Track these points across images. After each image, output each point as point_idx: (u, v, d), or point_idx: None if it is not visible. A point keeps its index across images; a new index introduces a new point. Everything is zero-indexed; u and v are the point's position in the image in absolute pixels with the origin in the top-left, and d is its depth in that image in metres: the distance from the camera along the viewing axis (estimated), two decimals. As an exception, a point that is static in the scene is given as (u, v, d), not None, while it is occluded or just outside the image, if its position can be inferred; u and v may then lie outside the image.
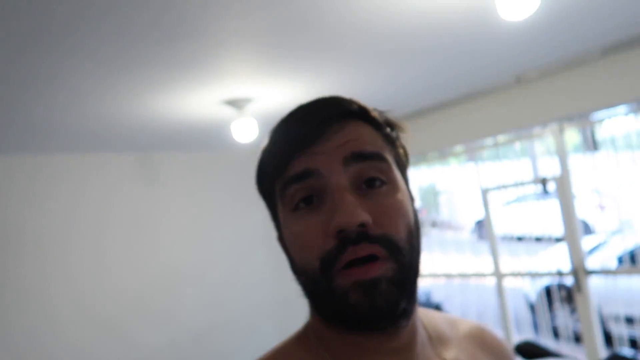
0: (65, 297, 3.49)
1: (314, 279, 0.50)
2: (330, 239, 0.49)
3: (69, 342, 3.47)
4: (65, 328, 3.48)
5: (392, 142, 0.58)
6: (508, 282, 3.88)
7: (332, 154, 0.51)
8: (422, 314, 0.62)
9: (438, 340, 0.62)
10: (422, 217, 3.82)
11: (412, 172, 4.04)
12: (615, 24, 2.36)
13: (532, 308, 3.87)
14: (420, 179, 4.28)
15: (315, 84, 2.75)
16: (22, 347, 3.32)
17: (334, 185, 0.50)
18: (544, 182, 3.27)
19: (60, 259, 3.47)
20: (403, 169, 0.59)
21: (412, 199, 0.56)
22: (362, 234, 0.48)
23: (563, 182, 3.21)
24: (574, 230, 3.18)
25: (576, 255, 3.18)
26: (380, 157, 0.53)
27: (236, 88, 2.53)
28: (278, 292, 4.11)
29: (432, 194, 4.52)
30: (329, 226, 0.49)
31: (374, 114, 0.57)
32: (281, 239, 0.59)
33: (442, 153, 3.97)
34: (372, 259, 0.48)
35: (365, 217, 0.48)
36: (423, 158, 4.07)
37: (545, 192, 3.28)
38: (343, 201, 0.48)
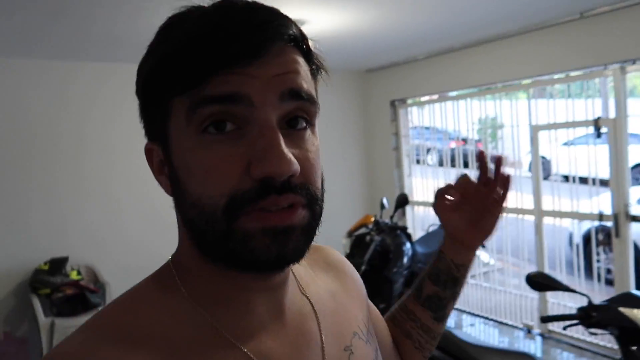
0: (127, 195, 3.93)
1: (211, 216, 0.44)
2: (246, 178, 0.43)
3: (128, 236, 3.96)
4: (126, 224, 3.95)
5: (316, 79, 0.52)
6: (554, 221, 3.92)
7: (270, 83, 0.44)
8: None
9: (299, 277, 0.60)
10: (477, 149, 3.82)
11: (474, 104, 4.09)
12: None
13: (574, 249, 3.91)
14: (480, 110, 4.24)
15: (370, 10, 2.76)
16: (84, 240, 3.84)
17: (264, 120, 0.44)
18: (598, 124, 3.18)
19: (123, 160, 3.87)
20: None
21: None
22: (287, 184, 0.44)
23: (617, 126, 3.12)
24: (622, 175, 3.14)
25: (620, 200, 3.16)
26: (312, 100, 0.48)
27: (289, 10, 2.60)
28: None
29: (491, 128, 4.47)
30: (246, 162, 0.44)
31: (312, 46, 0.50)
32: (164, 156, 0.50)
33: (502, 86, 3.91)
34: (290, 207, 0.45)
35: (297, 168, 0.44)
36: (483, 90, 4.03)
37: (599, 135, 3.20)
38: (277, 145, 0.43)
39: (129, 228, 3.96)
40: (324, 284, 0.64)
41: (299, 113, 0.47)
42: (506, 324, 4.05)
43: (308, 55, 0.50)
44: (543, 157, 3.90)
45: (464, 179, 0.74)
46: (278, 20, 0.46)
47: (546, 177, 4.19)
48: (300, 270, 0.62)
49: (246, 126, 0.44)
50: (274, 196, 0.43)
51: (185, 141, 0.45)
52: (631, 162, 3.28)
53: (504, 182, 0.72)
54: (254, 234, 0.44)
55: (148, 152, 0.52)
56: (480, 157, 0.73)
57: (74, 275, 3.57)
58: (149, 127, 0.51)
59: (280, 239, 0.44)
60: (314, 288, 0.61)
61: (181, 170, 0.47)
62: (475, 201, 0.74)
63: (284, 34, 0.46)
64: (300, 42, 0.48)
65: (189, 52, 0.44)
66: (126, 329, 0.46)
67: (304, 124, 0.48)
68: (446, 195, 0.75)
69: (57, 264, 3.57)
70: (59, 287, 3.46)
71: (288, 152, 0.43)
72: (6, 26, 2.74)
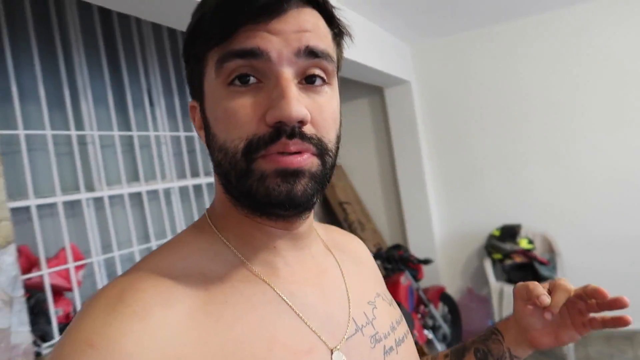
0: (592, 162, 3.48)
1: (234, 157, 0.50)
2: (262, 124, 0.48)
3: (591, 206, 3.49)
4: (589, 193, 3.50)
5: (338, 43, 0.56)
6: None
7: (287, 40, 0.49)
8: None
9: (324, 239, 0.67)
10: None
11: None
12: None
13: None
14: None
15: None
16: (538, 208, 3.62)
17: (281, 73, 0.49)
18: None
19: (591, 125, 3.43)
20: (338, 74, 0.56)
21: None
22: (298, 131, 0.48)
23: None
24: None
25: None
26: (330, 58, 0.52)
27: None
28: None
29: None
30: (263, 111, 0.48)
31: (332, 8, 0.54)
32: (200, 110, 0.56)
33: None
34: (299, 153, 0.49)
35: (305, 114, 0.48)
36: None
37: None
38: (288, 93, 0.47)
39: (593, 198, 3.53)
40: (346, 254, 0.69)
41: (317, 72, 0.51)
42: None
43: (330, 19, 0.54)
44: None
45: (565, 293, 0.63)
46: None
47: None
48: (324, 235, 0.69)
49: (265, 79, 0.49)
50: (284, 140, 0.48)
51: (214, 93, 0.51)
52: None
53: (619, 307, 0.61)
54: (268, 174, 0.48)
55: (191, 109, 0.58)
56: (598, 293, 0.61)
57: (523, 244, 3.52)
58: (191, 85, 0.57)
59: (289, 180, 0.48)
60: (338, 252, 0.67)
61: (211, 119, 0.52)
62: (567, 312, 0.67)
63: None
64: (321, 5, 0.53)
65: (219, 10, 0.49)
66: (166, 266, 0.51)
67: (321, 81, 0.52)
68: (537, 296, 0.64)
69: (509, 231, 3.62)
70: (509, 254, 3.51)
71: (298, 101, 0.48)
72: None
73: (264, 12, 0.48)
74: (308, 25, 0.50)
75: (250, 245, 0.56)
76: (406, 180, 4.01)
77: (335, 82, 0.54)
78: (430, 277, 3.90)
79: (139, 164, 2.49)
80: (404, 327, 0.66)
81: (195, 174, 2.90)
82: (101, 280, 2.28)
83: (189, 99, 0.60)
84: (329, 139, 0.52)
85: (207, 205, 0.63)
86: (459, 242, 4.00)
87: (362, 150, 4.34)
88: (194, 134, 2.85)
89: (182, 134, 2.77)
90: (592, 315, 0.65)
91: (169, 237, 2.44)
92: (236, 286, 0.52)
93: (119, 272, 2.35)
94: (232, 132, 0.49)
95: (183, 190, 2.79)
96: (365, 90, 4.24)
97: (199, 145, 2.89)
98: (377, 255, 3.19)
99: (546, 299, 0.62)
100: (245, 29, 0.48)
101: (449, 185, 4.01)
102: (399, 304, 2.87)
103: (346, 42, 0.58)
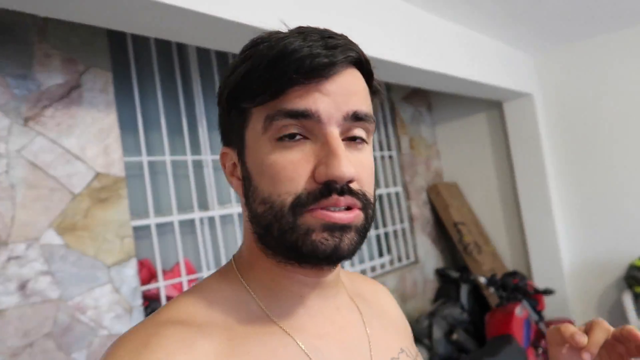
0: None
1: (280, 212, 0.50)
2: (311, 181, 0.50)
3: None
4: None
5: (373, 99, 0.57)
6: None
7: (336, 102, 0.50)
8: None
9: (348, 288, 0.66)
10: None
11: None
12: None
13: None
14: None
15: None
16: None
17: (330, 133, 0.50)
18: None
19: None
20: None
21: None
22: (348, 188, 0.50)
23: None
24: None
25: None
26: (371, 119, 0.54)
27: None
28: None
29: None
30: (311, 167, 0.50)
31: (372, 68, 0.56)
32: (239, 160, 0.56)
33: None
34: (349, 209, 0.51)
35: (355, 174, 0.50)
36: None
37: None
38: (340, 153, 0.49)
39: None
40: (370, 305, 0.67)
41: (359, 133, 0.53)
42: None
43: (369, 78, 0.56)
44: None
45: (602, 335, 0.59)
46: (349, 45, 0.52)
47: None
48: (348, 285, 0.68)
49: (312, 136, 0.51)
50: (335, 196, 0.49)
51: (260, 146, 0.52)
52: None
53: None
54: (314, 228, 0.49)
55: (223, 155, 0.59)
56: (630, 334, 0.58)
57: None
58: (226, 133, 0.58)
59: (337, 235, 0.50)
60: (362, 303, 0.66)
61: (254, 171, 0.53)
62: (604, 354, 0.61)
63: (353, 58, 0.52)
64: (364, 66, 0.55)
65: (270, 67, 0.50)
66: (191, 313, 0.51)
67: (362, 140, 0.54)
68: (571, 336, 0.60)
69: (655, 261, 3.12)
70: (654, 287, 3.03)
71: (348, 160, 0.49)
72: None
73: (316, 73, 0.49)
74: (354, 88, 0.52)
75: (276, 295, 0.56)
76: (529, 202, 3.69)
77: (372, 138, 0.57)
78: (556, 309, 3.52)
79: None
80: None
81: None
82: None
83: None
84: (371, 193, 0.53)
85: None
86: (592, 272, 3.55)
87: (480, 167, 4.10)
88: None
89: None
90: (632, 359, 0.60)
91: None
92: (259, 338, 0.52)
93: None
94: (279, 186, 0.50)
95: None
96: (482, 105, 4.02)
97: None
98: (490, 282, 2.97)
99: (581, 338, 0.59)
100: (296, 88, 0.49)
101: (581, 208, 3.59)
102: (509, 338, 2.66)
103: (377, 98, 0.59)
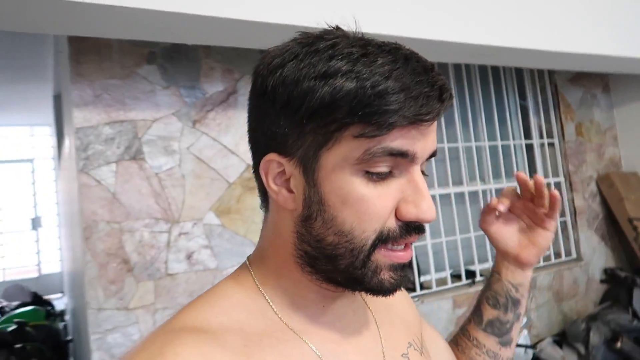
0: None
1: (361, 247, 0.50)
2: (392, 218, 0.50)
3: None
4: None
5: None
6: None
7: (428, 142, 0.51)
8: None
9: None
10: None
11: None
12: None
13: None
14: None
15: None
16: None
17: (417, 172, 0.51)
18: None
19: None
20: None
21: None
22: (422, 226, 0.52)
23: None
24: None
25: None
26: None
27: None
28: None
29: None
30: (395, 203, 0.50)
31: None
32: (306, 178, 0.51)
33: None
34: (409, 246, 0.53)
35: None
36: None
37: None
38: (428, 195, 0.50)
39: None
40: (378, 300, 0.65)
41: (424, 169, 0.54)
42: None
43: None
44: None
45: (509, 190, 0.76)
46: (448, 85, 0.50)
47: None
48: None
49: (398, 172, 0.50)
50: (413, 235, 0.51)
51: (346, 175, 0.49)
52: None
53: (551, 200, 0.72)
54: (383, 267, 0.51)
55: (268, 162, 0.53)
56: (518, 178, 0.74)
57: None
58: (279, 140, 0.51)
59: (401, 273, 0.52)
60: (371, 299, 0.65)
61: (334, 199, 0.50)
62: (525, 216, 0.76)
63: (452, 100, 0.51)
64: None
65: (382, 100, 0.46)
66: (205, 320, 0.51)
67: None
68: (494, 208, 0.75)
69: None
70: None
71: (432, 200, 0.51)
72: None
73: (425, 118, 0.47)
74: (435, 127, 0.52)
75: (296, 304, 0.55)
76: None
77: None
78: None
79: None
80: None
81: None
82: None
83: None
84: None
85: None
86: None
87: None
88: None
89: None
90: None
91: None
92: (275, 345, 0.51)
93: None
94: (365, 223, 0.49)
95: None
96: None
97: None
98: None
99: (492, 201, 0.74)
100: (400, 127, 0.47)
101: None
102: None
103: None
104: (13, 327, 3.26)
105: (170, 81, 2.14)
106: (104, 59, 2.00)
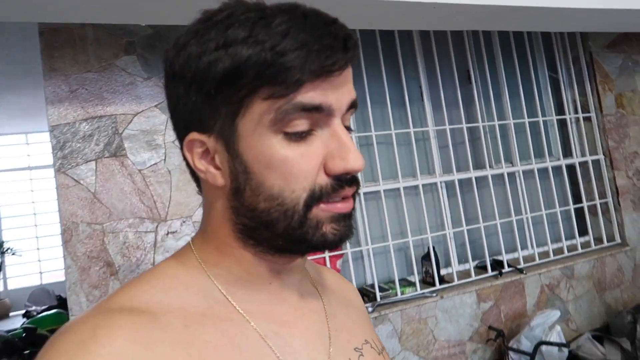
0: None
1: (293, 208, 0.49)
2: (322, 175, 0.50)
3: None
4: None
5: None
6: None
7: (344, 93, 0.50)
8: None
9: (310, 274, 0.66)
10: None
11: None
12: None
13: None
14: None
15: None
16: None
17: (338, 125, 0.51)
18: None
19: None
20: None
21: None
22: (355, 177, 0.52)
23: None
24: None
25: None
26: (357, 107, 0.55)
27: None
28: None
29: None
30: (321, 160, 0.50)
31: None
32: (228, 151, 0.51)
33: None
34: (350, 197, 0.53)
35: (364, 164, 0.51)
36: None
37: None
38: (352, 146, 0.50)
39: None
40: (335, 295, 0.67)
41: (348, 122, 0.54)
42: None
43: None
44: None
45: None
46: (353, 35, 0.50)
47: None
48: (313, 273, 0.67)
49: (319, 129, 0.50)
50: (347, 188, 0.51)
51: (265, 139, 0.49)
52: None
53: None
54: (324, 220, 0.50)
55: (191, 143, 0.52)
56: None
57: None
58: (196, 118, 0.51)
59: (343, 224, 0.52)
60: (326, 292, 0.65)
61: (258, 165, 0.50)
62: None
63: (358, 49, 0.51)
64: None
65: (283, 59, 0.46)
66: (144, 301, 0.49)
67: (350, 129, 0.54)
68: None
69: None
70: None
71: (358, 151, 0.51)
72: None
73: (332, 69, 0.48)
74: (350, 76, 0.52)
75: (242, 283, 0.54)
76: None
77: None
78: None
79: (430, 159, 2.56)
80: None
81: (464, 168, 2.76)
82: (355, 269, 2.48)
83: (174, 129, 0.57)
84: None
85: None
86: None
87: None
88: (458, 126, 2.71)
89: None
90: None
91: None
92: (217, 324, 0.50)
93: (368, 263, 2.50)
94: (292, 182, 0.49)
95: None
96: None
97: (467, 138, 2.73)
98: None
99: None
100: (310, 83, 0.47)
101: None
102: None
103: None
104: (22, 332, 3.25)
105: (152, 72, 2.02)
106: (78, 52, 1.89)
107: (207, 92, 0.49)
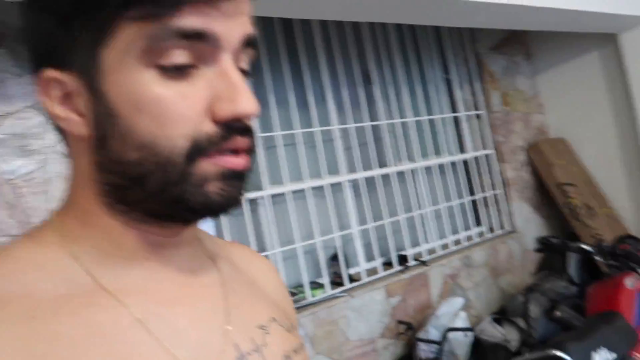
0: None
1: (170, 160, 0.41)
2: (206, 120, 0.42)
3: None
4: None
5: None
6: None
7: (235, 23, 0.42)
8: None
9: (205, 243, 0.56)
10: None
11: None
12: None
13: None
14: None
15: None
16: None
17: (228, 61, 0.43)
18: None
19: None
20: None
21: None
22: (249, 126, 0.44)
23: None
24: None
25: None
26: (258, 48, 0.47)
27: None
28: None
29: None
30: (206, 103, 0.42)
31: None
32: (89, 89, 0.42)
33: None
34: (244, 152, 0.45)
35: (259, 109, 0.44)
36: None
37: None
38: (243, 86, 0.43)
39: None
40: (238, 270, 0.58)
41: (245, 65, 0.46)
42: None
43: None
44: None
45: None
46: None
47: None
48: (210, 245, 0.57)
49: (204, 66, 0.42)
50: (238, 138, 0.43)
51: (134, 74, 0.41)
52: None
53: None
54: (210, 177, 0.43)
55: (45, 82, 0.43)
56: None
57: None
58: (52, 49, 0.43)
59: (234, 183, 0.44)
60: (226, 266, 0.56)
61: (125, 106, 0.42)
62: None
63: None
64: None
65: None
66: None
67: (247, 73, 0.47)
68: None
69: None
70: None
71: (252, 93, 0.43)
72: None
73: None
74: (246, 7, 0.44)
75: (112, 260, 0.46)
76: (655, 153, 3.04)
77: None
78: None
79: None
80: (303, 356, 0.56)
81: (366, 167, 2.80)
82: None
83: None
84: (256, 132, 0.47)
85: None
86: None
87: (594, 118, 3.49)
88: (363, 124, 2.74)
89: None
90: None
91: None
92: (78, 311, 0.41)
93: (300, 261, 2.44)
94: (170, 128, 0.41)
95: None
96: (592, 42, 3.38)
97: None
98: (598, 251, 2.50)
99: None
100: (191, 5, 0.39)
101: None
102: (615, 315, 2.19)
103: None
104: None
105: (25, 67, 1.78)
106: None
107: (62, 14, 0.41)
